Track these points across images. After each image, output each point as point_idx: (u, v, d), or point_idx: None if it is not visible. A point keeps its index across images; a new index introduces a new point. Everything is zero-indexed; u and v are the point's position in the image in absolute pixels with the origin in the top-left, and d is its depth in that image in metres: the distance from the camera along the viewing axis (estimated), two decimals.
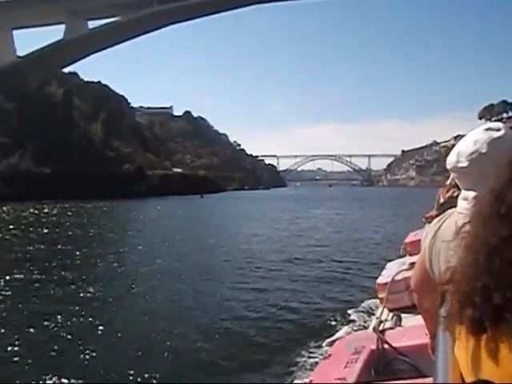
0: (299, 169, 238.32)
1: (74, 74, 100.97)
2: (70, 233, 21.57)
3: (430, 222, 1.86)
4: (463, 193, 1.38)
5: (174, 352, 6.42)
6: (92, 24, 74.15)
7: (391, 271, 4.46)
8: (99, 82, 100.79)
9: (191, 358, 6.33)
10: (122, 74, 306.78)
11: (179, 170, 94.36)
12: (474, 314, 0.66)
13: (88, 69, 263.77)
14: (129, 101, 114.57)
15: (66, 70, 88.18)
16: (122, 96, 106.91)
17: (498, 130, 1.30)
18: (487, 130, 1.32)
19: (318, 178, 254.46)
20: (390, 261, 5.81)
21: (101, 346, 6.66)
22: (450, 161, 1.38)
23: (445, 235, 1.28)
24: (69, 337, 7.02)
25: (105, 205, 44.38)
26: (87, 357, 6.23)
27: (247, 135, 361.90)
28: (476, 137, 1.32)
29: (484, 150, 1.28)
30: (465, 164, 1.31)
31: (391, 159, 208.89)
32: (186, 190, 75.87)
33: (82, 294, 9.69)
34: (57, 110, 70.51)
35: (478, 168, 1.27)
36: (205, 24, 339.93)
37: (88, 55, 78.36)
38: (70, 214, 34.38)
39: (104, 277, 11.67)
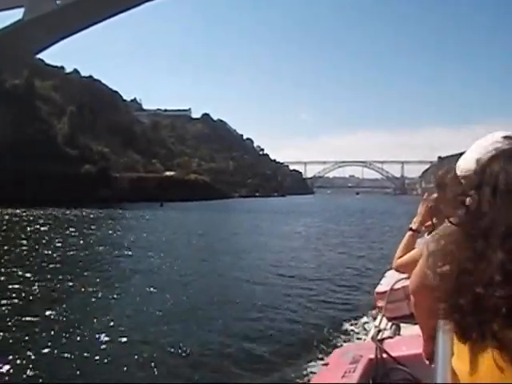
0: (331, 176, 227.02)
1: (76, 71, 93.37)
2: None
3: (430, 232, 1.85)
4: None
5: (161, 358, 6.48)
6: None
7: (390, 280, 4.19)
8: (91, 77, 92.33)
9: (185, 363, 6.45)
10: (144, 75, 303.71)
11: (169, 173, 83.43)
12: (459, 322, 0.65)
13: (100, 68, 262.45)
14: (123, 97, 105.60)
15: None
16: (116, 92, 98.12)
17: None
18: (505, 138, 1.28)
19: (350, 185, 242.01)
20: (389, 269, 4.87)
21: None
22: (466, 167, 1.26)
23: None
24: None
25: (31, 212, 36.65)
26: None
27: (275, 144, 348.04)
28: (495, 144, 1.26)
29: None
30: None
31: (427, 166, 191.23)
32: (167, 196, 64.95)
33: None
34: (19, 102, 61.48)
35: None
36: (233, 30, 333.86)
37: (61, 37, 68.98)
38: None
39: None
